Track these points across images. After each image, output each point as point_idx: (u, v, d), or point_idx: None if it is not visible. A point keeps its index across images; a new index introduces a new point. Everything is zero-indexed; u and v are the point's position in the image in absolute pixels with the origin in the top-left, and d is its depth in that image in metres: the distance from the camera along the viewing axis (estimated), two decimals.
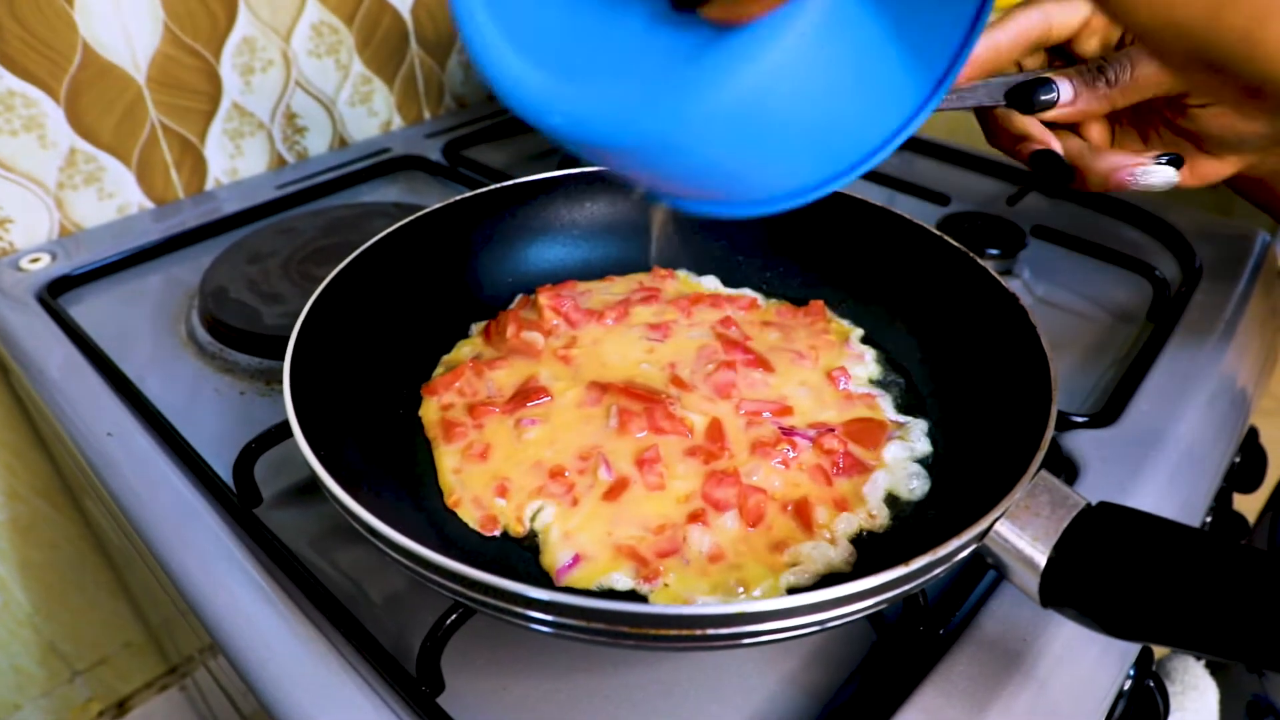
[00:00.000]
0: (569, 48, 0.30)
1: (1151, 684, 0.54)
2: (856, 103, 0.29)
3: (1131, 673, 0.53)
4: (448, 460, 0.48)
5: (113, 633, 1.01)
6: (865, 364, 0.55)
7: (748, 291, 0.61)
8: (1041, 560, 0.34)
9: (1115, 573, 0.33)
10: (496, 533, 0.45)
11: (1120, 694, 0.52)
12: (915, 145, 0.92)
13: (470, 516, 0.45)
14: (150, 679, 1.06)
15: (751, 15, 0.25)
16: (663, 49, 0.28)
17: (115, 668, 1.03)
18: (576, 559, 0.43)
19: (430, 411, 0.51)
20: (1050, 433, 0.39)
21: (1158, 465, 0.53)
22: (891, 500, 0.46)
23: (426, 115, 1.05)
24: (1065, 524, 0.35)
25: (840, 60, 0.27)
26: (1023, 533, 0.35)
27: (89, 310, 0.70)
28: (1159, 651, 0.60)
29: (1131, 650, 0.50)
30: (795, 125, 0.29)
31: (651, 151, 0.30)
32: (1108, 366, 0.63)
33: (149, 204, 0.85)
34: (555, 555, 0.43)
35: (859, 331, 0.57)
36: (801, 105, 0.28)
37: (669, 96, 0.28)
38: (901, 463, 0.48)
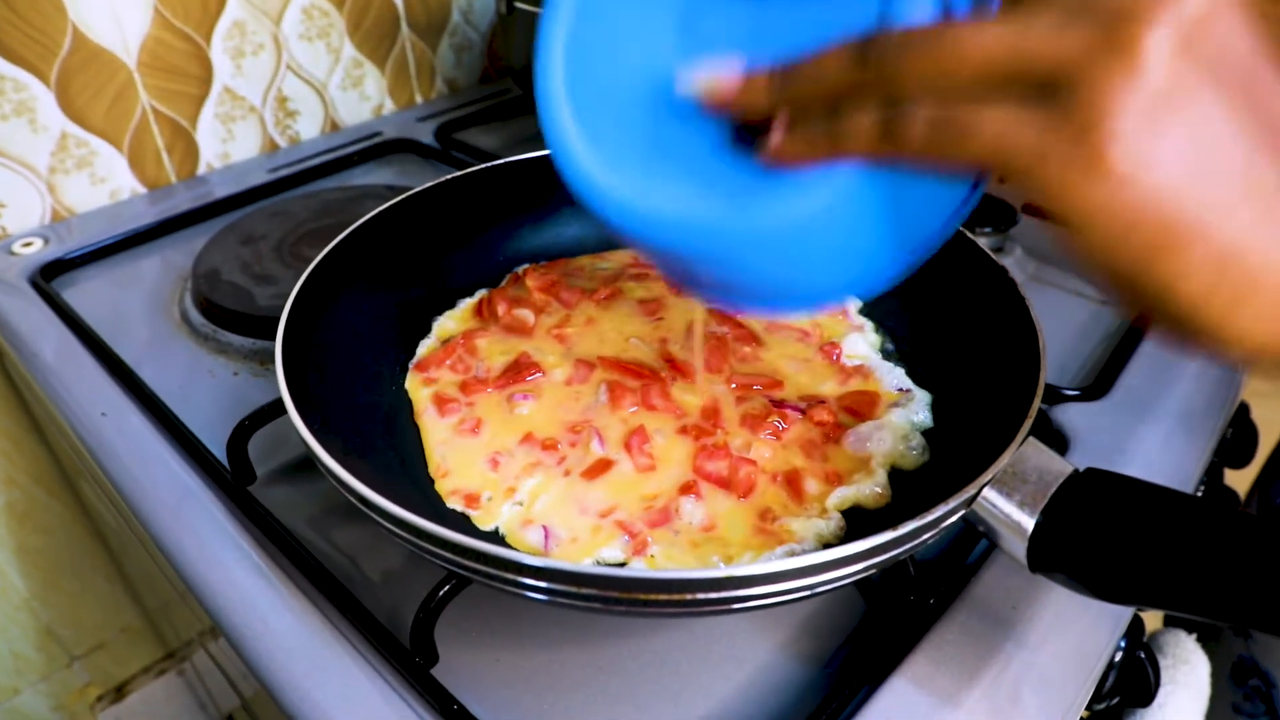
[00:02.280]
0: (642, 150, 0.34)
1: (1142, 655, 0.55)
2: (863, 249, 0.34)
3: (1122, 644, 0.53)
4: (436, 434, 0.48)
5: (110, 617, 1.01)
6: (865, 334, 0.55)
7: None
8: (1029, 525, 0.35)
9: (1102, 535, 0.33)
10: (476, 511, 0.45)
11: (1111, 665, 0.52)
12: None
13: (456, 494, 0.45)
14: (148, 663, 1.07)
15: (792, 163, 0.31)
16: (723, 171, 0.33)
17: (113, 652, 1.03)
18: (546, 533, 0.43)
19: (420, 387, 0.51)
20: (1038, 401, 0.40)
21: (1147, 437, 0.53)
22: (892, 473, 0.46)
23: (418, 99, 1.05)
24: (1053, 489, 0.35)
25: (853, 216, 0.32)
26: (1010, 498, 0.35)
27: (82, 294, 0.70)
28: (1150, 625, 0.61)
29: (1122, 620, 0.51)
30: (811, 253, 0.33)
31: (693, 250, 0.34)
32: (1099, 341, 0.63)
33: (141, 188, 0.85)
34: (524, 536, 0.43)
35: (856, 302, 0.58)
36: (819, 240, 0.33)
37: (720, 212, 0.32)
38: (901, 434, 0.48)
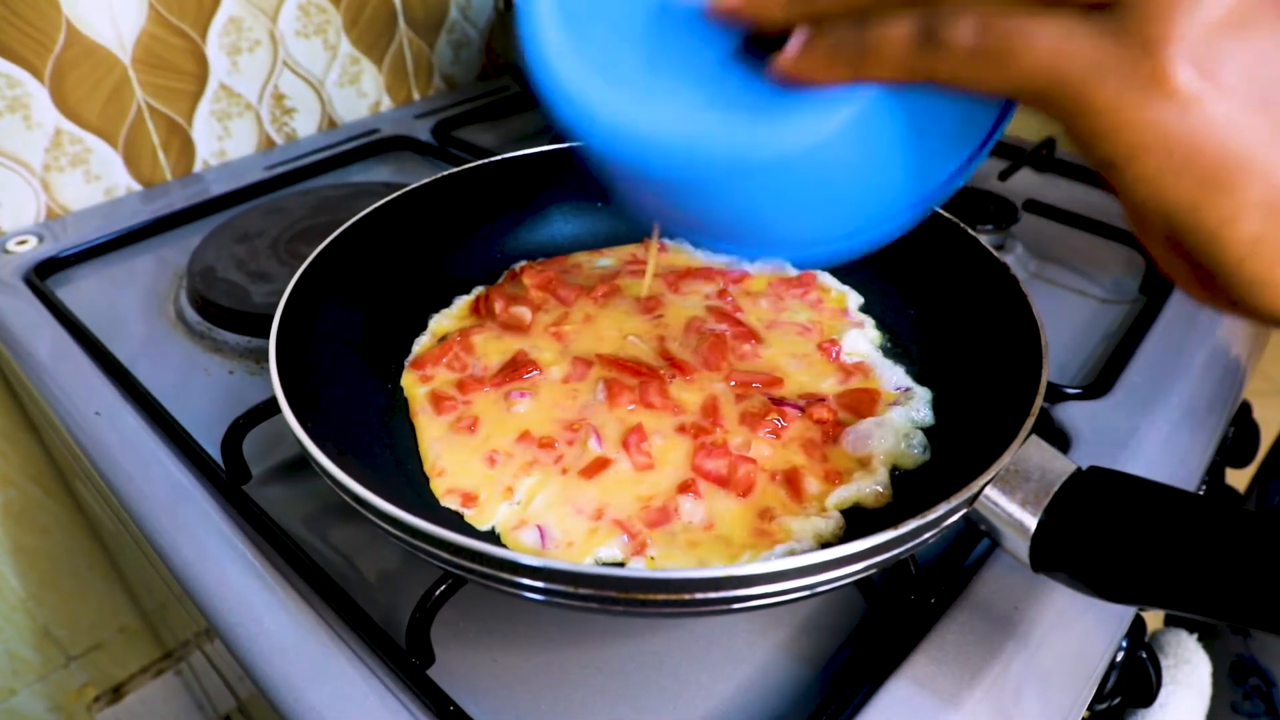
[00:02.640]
0: (639, 65, 0.31)
1: (1144, 655, 0.55)
2: (874, 186, 0.31)
3: (1124, 644, 0.53)
4: (432, 432, 0.48)
5: (107, 618, 1.01)
6: (866, 331, 0.54)
7: (739, 262, 0.61)
8: (1032, 524, 0.34)
9: (1105, 534, 0.33)
10: (471, 510, 0.44)
11: (1112, 665, 0.52)
12: None
13: (452, 493, 0.45)
14: (146, 664, 1.06)
15: (810, 81, 0.28)
16: (729, 88, 0.29)
17: (110, 653, 1.03)
18: (542, 533, 0.43)
19: (416, 386, 0.51)
20: (1040, 399, 0.39)
21: (1149, 436, 0.53)
22: (893, 472, 0.46)
23: (416, 96, 1.04)
24: (1055, 488, 0.35)
25: (868, 148, 0.29)
26: (1012, 497, 0.35)
27: (77, 292, 0.70)
28: (1151, 624, 0.60)
29: (1123, 620, 0.50)
30: (821, 189, 0.31)
31: (686, 177, 0.31)
32: (1101, 340, 0.62)
33: (136, 186, 0.85)
34: (521, 536, 0.43)
35: (857, 299, 0.57)
36: (832, 174, 0.30)
37: (722, 131, 0.29)
38: (902, 432, 0.47)
